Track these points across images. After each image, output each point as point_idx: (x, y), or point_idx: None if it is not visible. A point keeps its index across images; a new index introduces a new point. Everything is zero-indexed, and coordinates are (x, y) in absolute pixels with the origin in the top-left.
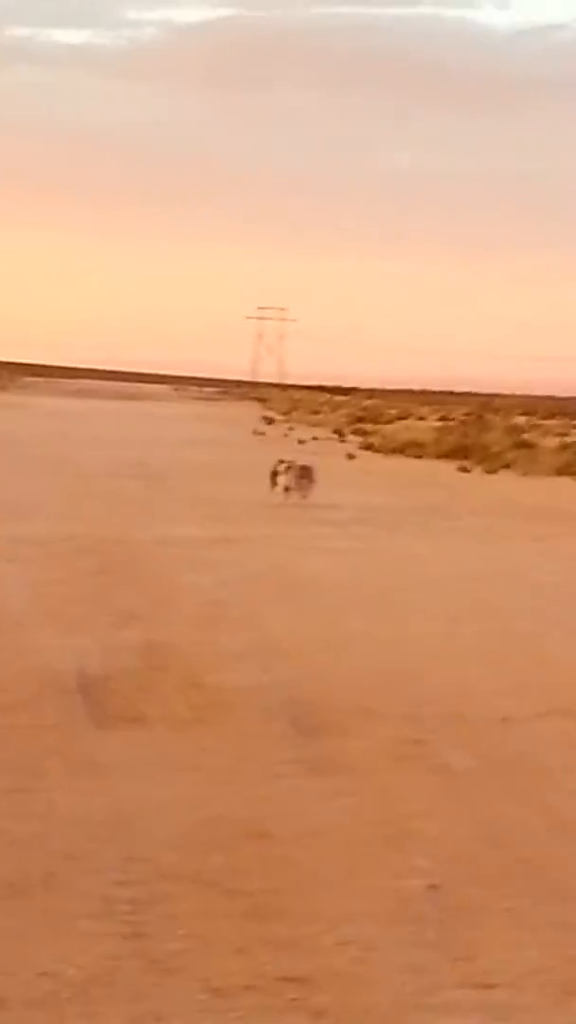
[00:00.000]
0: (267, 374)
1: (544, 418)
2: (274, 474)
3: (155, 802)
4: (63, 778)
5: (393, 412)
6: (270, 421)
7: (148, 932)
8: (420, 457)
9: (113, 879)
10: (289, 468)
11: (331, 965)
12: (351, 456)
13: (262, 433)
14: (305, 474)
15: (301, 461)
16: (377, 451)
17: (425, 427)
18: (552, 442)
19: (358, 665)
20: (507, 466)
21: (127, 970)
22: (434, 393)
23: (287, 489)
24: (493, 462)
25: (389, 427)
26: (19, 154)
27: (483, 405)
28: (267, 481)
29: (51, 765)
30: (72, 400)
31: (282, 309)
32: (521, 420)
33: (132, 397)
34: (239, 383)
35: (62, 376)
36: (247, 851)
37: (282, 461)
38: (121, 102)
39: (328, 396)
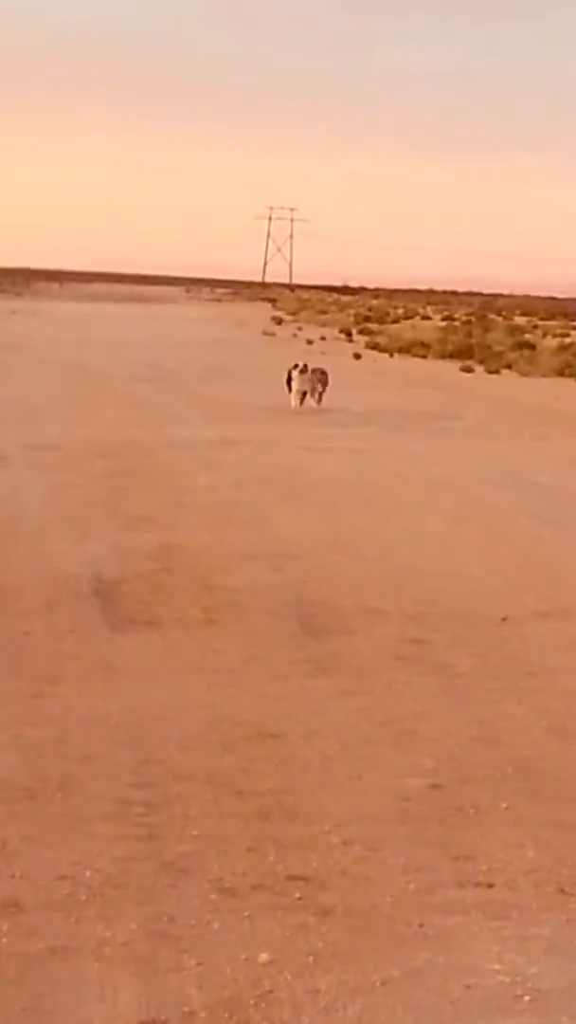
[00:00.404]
0: (277, 275)
1: (544, 319)
2: (288, 379)
3: (168, 705)
4: (79, 682)
5: (399, 312)
6: (279, 321)
7: (161, 834)
8: (424, 357)
9: (128, 782)
10: (303, 371)
11: (337, 864)
12: (357, 356)
13: (272, 334)
14: (321, 378)
15: (315, 364)
16: (383, 351)
17: (430, 327)
18: (552, 343)
19: (364, 565)
20: (508, 366)
21: (141, 872)
22: (438, 293)
23: (303, 394)
24: (495, 362)
25: (394, 327)
26: (22, 55)
27: (485, 305)
28: (275, 382)
29: (67, 669)
30: (86, 304)
31: (291, 209)
32: (522, 320)
33: (144, 300)
34: (249, 284)
35: (76, 281)
36: (257, 752)
37: (296, 365)
38: (134, 3)
39: (336, 296)
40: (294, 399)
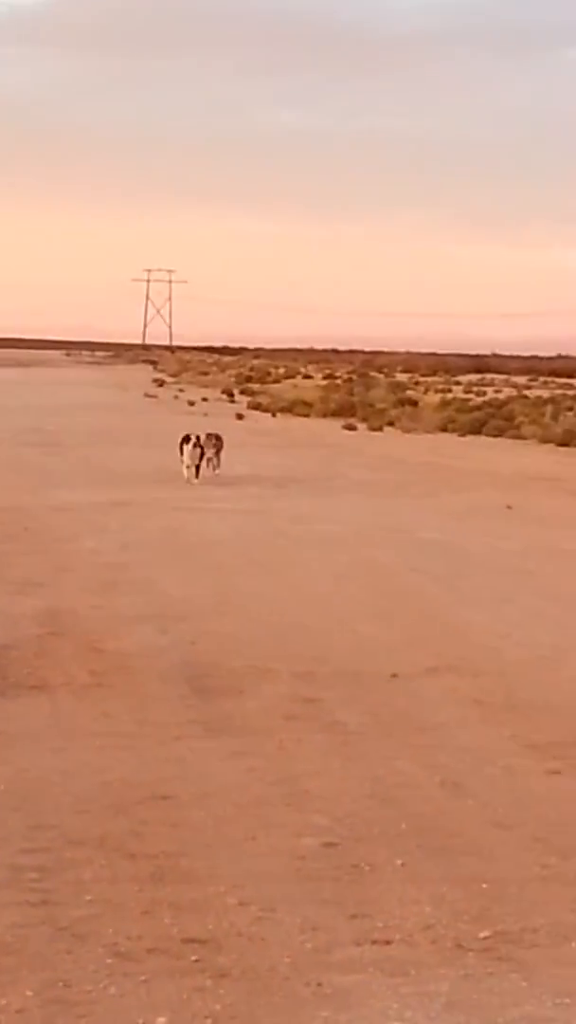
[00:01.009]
0: (157, 336)
1: (425, 375)
2: (180, 451)
3: (59, 769)
4: None
5: (280, 371)
6: (161, 383)
7: (55, 899)
8: (307, 416)
9: (20, 847)
10: (195, 444)
11: (233, 926)
12: (240, 416)
13: (154, 396)
14: (216, 444)
15: (209, 430)
16: (265, 411)
17: (311, 386)
18: (434, 398)
19: (252, 625)
20: (391, 423)
21: (36, 938)
22: (319, 351)
23: (196, 467)
24: (377, 419)
25: (276, 386)
26: None
27: (367, 362)
28: (158, 444)
29: None
30: None
31: (169, 271)
32: (404, 377)
33: (23, 363)
34: (130, 346)
35: None
36: (149, 814)
37: (187, 437)
38: (3, 68)
39: (217, 357)
40: (187, 473)
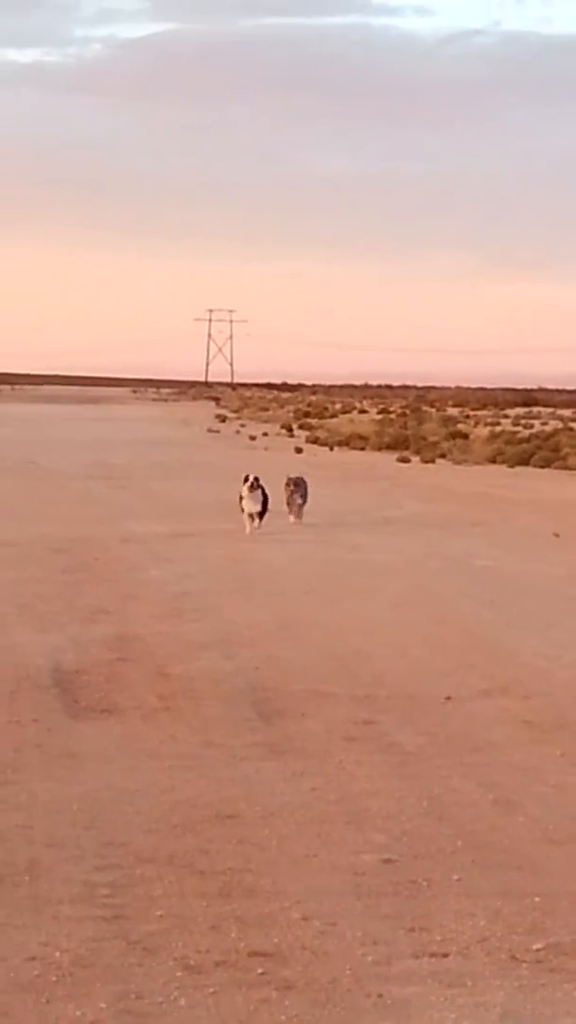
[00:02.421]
0: (219, 374)
1: (475, 409)
2: (240, 499)
3: (129, 789)
4: (42, 769)
5: (337, 406)
6: (223, 419)
7: (127, 914)
8: (363, 449)
9: (93, 864)
10: (253, 487)
11: (297, 939)
12: (299, 450)
13: (216, 431)
14: (296, 490)
15: (292, 474)
16: (323, 444)
17: (367, 420)
18: (483, 431)
19: (312, 650)
20: (443, 455)
21: (108, 951)
22: (373, 387)
23: (258, 515)
24: (430, 452)
25: (333, 421)
26: None
27: (419, 397)
28: (220, 478)
29: (30, 758)
30: (38, 405)
31: (230, 311)
32: (455, 411)
33: (92, 400)
34: (193, 383)
35: (28, 383)
36: (216, 832)
37: (246, 479)
38: (70, 117)
39: (276, 393)
40: (248, 525)
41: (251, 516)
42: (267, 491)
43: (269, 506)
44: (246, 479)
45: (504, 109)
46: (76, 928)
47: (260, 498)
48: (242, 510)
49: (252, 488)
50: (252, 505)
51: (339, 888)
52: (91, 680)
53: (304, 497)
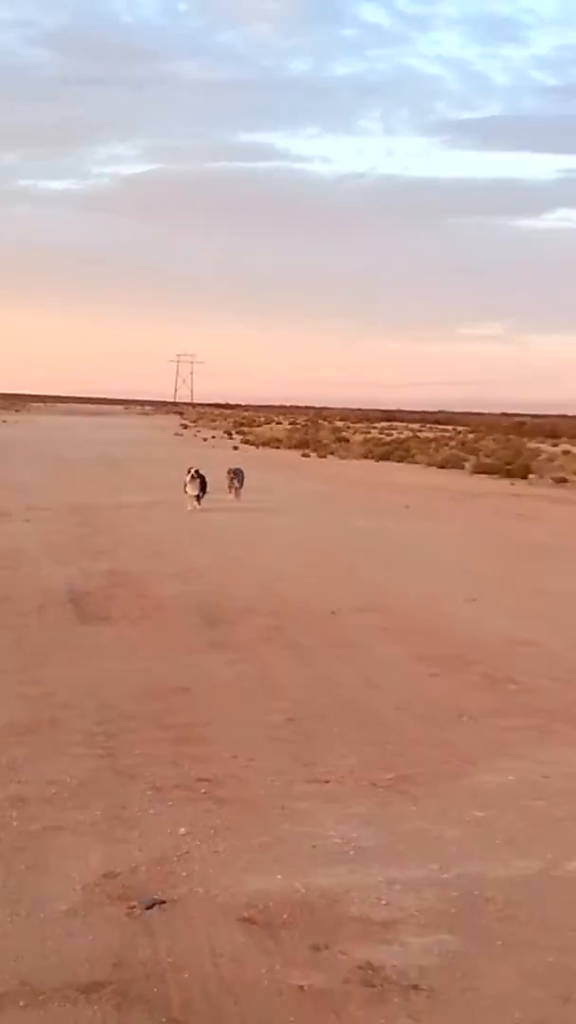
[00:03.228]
0: (183, 396)
1: (354, 423)
2: (185, 484)
3: (119, 670)
4: (61, 657)
5: (261, 419)
6: (185, 426)
7: (115, 753)
8: (278, 447)
9: (93, 720)
10: (194, 478)
11: (228, 771)
12: (236, 447)
13: (180, 434)
14: (235, 475)
15: (231, 465)
16: (252, 444)
17: (281, 429)
18: (359, 437)
19: (242, 581)
20: (332, 452)
21: (102, 778)
22: (286, 407)
23: (196, 497)
24: (323, 450)
25: (258, 429)
26: (21, 263)
27: (316, 414)
28: (183, 465)
29: (52, 649)
30: (61, 417)
31: (192, 355)
32: (340, 423)
33: (97, 414)
34: (164, 402)
35: (56, 401)
36: (176, 699)
37: (189, 471)
38: (87, 227)
39: (221, 410)
40: (189, 503)
41: (193, 497)
42: (207, 479)
43: (209, 489)
44: (188, 471)
45: (376, 224)
46: (81, 762)
47: (199, 485)
48: (186, 492)
49: (192, 478)
50: (192, 489)
51: (257, 737)
52: (94, 598)
53: (240, 482)
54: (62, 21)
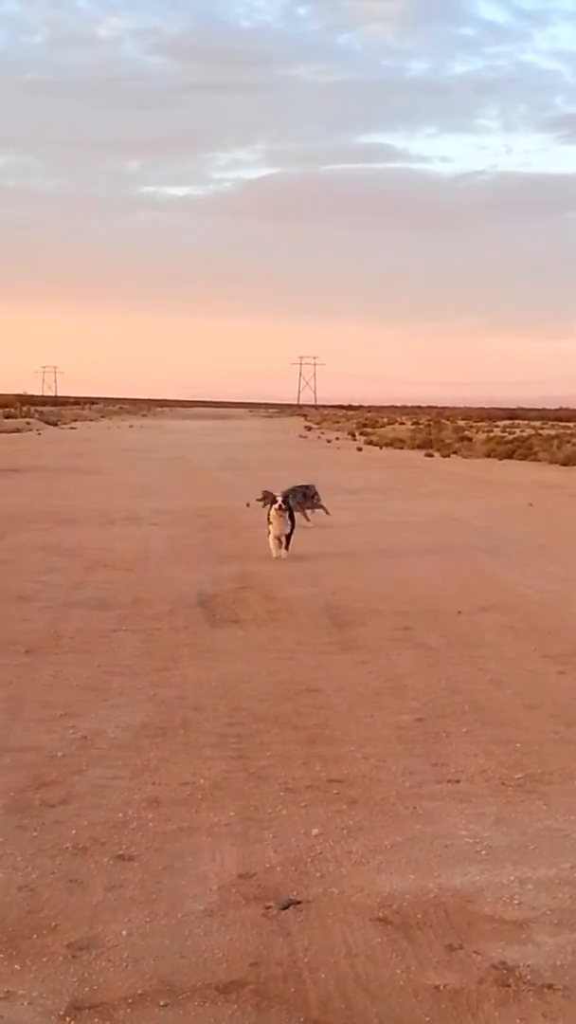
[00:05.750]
0: (306, 399)
1: (476, 422)
2: (269, 520)
3: (248, 672)
4: (191, 659)
5: (384, 420)
6: (309, 429)
7: (247, 755)
8: (402, 448)
9: (224, 722)
10: (280, 509)
11: (359, 771)
12: (359, 449)
13: (304, 436)
14: (305, 495)
15: (300, 483)
16: (375, 445)
17: (404, 429)
18: (482, 436)
19: (369, 582)
20: (455, 452)
21: (235, 779)
22: (409, 407)
23: (284, 538)
24: (446, 450)
25: (382, 430)
26: (144, 270)
27: (439, 414)
28: (306, 467)
29: (183, 651)
30: (186, 421)
31: (314, 357)
32: (463, 423)
33: (222, 418)
34: (289, 405)
35: (181, 406)
36: (305, 701)
37: (264, 496)
38: (209, 231)
39: (344, 412)
40: (274, 550)
41: (277, 539)
42: (319, 493)
43: (324, 502)
44: (265, 497)
45: (496, 221)
46: (213, 764)
47: (287, 520)
48: (268, 532)
49: (280, 510)
50: (279, 528)
51: (387, 737)
52: (223, 601)
53: (312, 505)
54: (183, 28)
